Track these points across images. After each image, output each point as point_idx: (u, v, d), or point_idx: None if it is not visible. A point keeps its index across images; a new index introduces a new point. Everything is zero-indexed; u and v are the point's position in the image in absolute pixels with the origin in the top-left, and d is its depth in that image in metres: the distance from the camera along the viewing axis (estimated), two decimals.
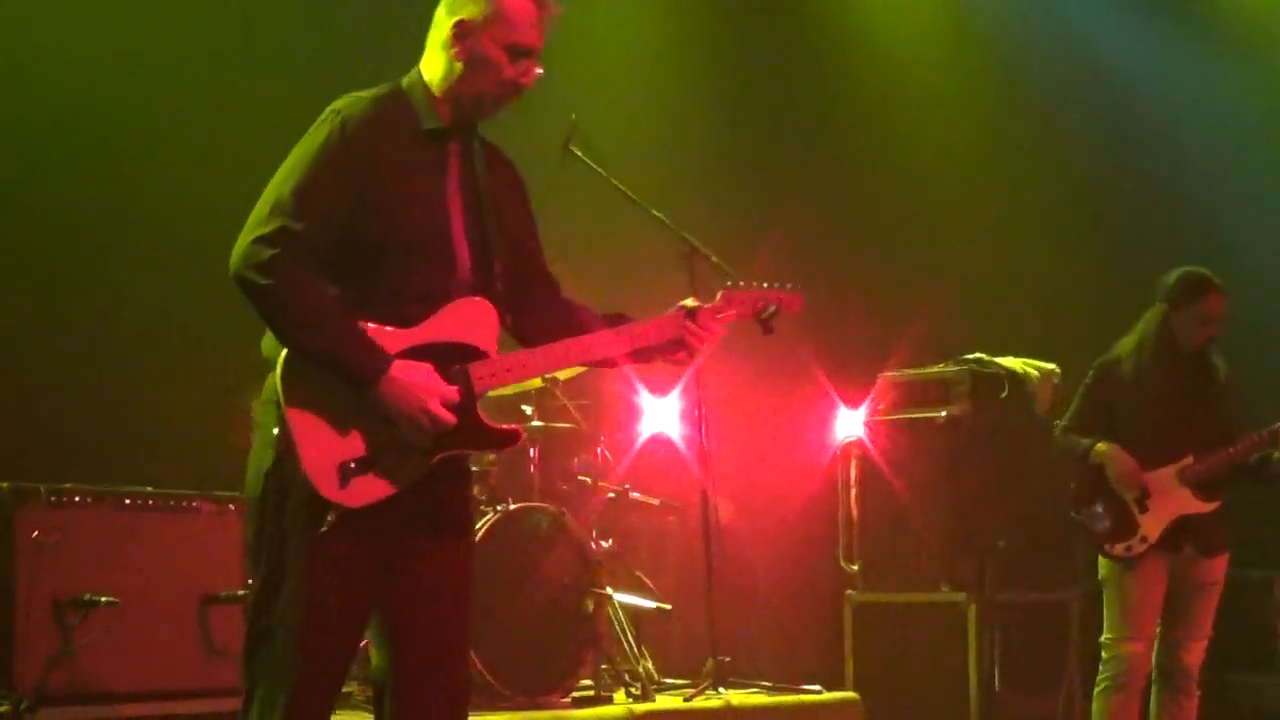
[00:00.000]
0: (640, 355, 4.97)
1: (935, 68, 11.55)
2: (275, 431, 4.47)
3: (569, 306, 4.99)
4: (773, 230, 9.83)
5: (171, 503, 6.65)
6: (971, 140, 11.45)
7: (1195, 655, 7.81)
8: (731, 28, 10.84)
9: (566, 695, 7.71)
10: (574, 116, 7.73)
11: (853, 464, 9.68)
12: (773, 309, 5.03)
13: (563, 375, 7.91)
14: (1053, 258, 11.14)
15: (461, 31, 4.64)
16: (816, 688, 8.36)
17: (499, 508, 7.74)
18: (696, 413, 8.31)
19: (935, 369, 9.59)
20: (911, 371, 9.72)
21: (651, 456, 9.01)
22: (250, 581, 4.80)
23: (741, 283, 5.05)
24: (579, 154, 7.63)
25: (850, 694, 8.47)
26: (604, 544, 8.16)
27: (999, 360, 9.36)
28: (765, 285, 5.05)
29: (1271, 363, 9.03)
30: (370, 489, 4.47)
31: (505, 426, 4.74)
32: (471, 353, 4.64)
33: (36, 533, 6.28)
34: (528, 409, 8.23)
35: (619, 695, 7.85)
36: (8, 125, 7.87)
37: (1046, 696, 8.32)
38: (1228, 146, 12.58)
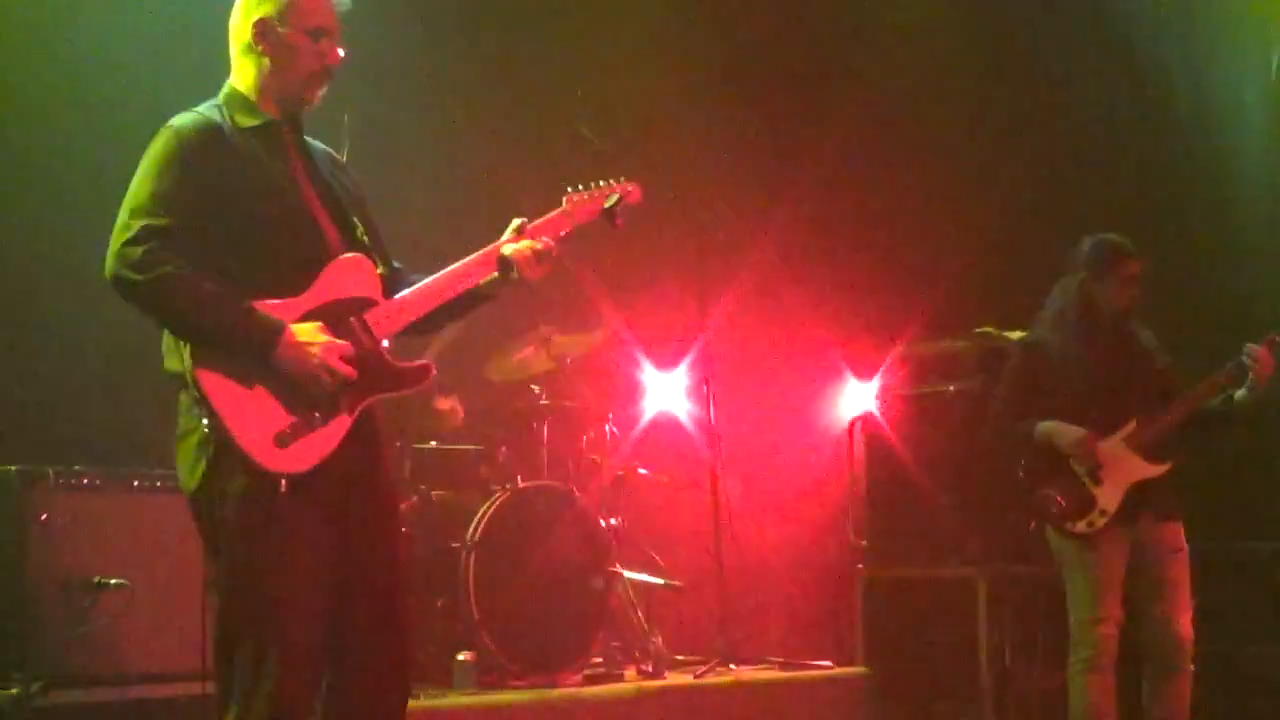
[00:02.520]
0: (465, 300, 5.26)
1: (948, 50, 11.54)
2: (205, 425, 4.66)
3: (400, 272, 5.28)
4: (784, 206, 9.87)
5: (179, 485, 6.68)
6: (981, 119, 11.45)
7: (1185, 628, 7.73)
8: (745, 3, 10.82)
9: (577, 673, 7.73)
10: (581, 94, 7.74)
11: (862, 439, 9.66)
12: (616, 198, 5.40)
13: (573, 351, 7.98)
14: (1059, 233, 11.15)
15: (263, 29, 5.00)
16: (827, 663, 8.43)
17: (508, 486, 7.80)
18: (704, 388, 8.33)
19: (944, 343, 9.61)
20: (920, 346, 9.73)
21: (660, 433, 9.06)
22: (215, 570, 4.85)
23: (586, 186, 5.39)
24: (589, 135, 7.66)
25: (860, 669, 8.52)
26: (613, 521, 8.17)
27: (1007, 334, 9.35)
28: (606, 182, 5.42)
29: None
30: (310, 451, 4.74)
31: (415, 364, 5.05)
32: (364, 304, 4.96)
33: (45, 515, 6.33)
34: (536, 388, 8.27)
35: (630, 672, 7.89)
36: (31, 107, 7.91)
37: (1057, 670, 8.34)
38: (1227, 130, 12.66)
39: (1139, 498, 7.60)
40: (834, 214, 10.54)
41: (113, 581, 6.33)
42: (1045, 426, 7.67)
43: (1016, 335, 9.15)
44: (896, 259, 10.55)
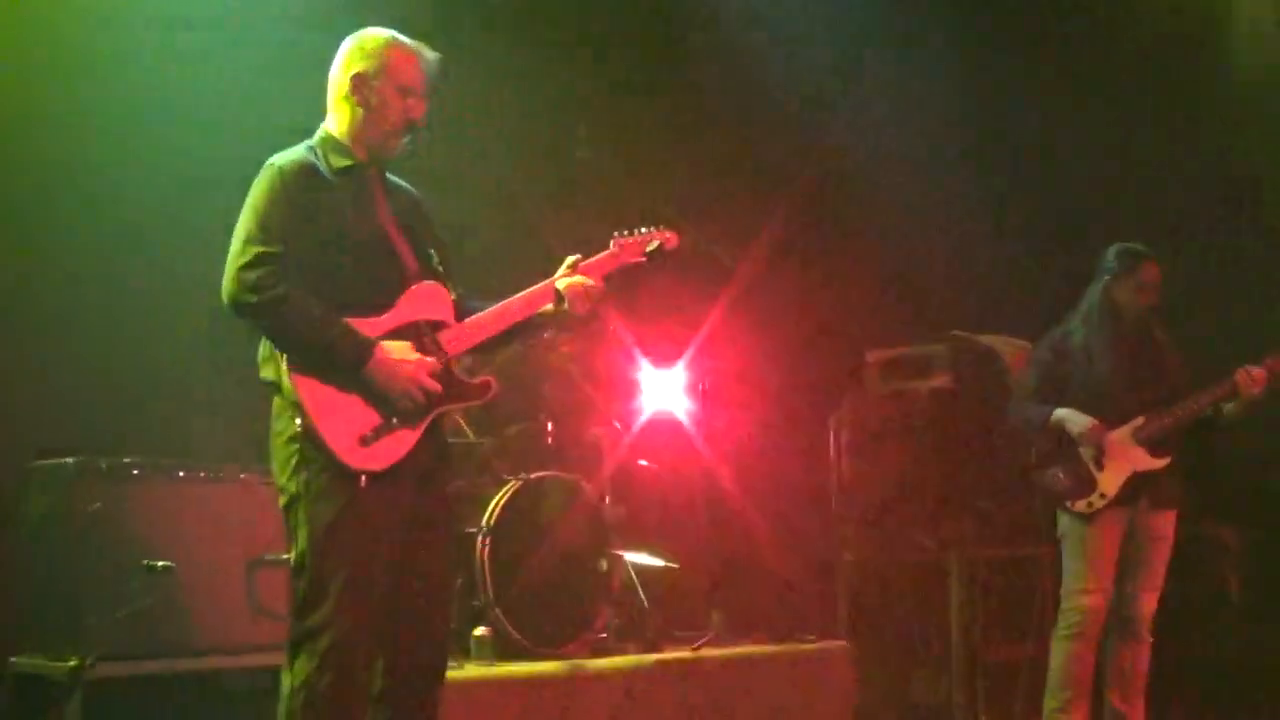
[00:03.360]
0: (521, 329, 5.49)
1: (931, 93, 11.52)
2: (298, 426, 4.89)
3: (465, 300, 5.43)
4: (772, 224, 9.90)
5: (221, 475, 6.70)
6: (955, 150, 11.46)
7: (1149, 605, 7.83)
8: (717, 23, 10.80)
9: (583, 646, 7.73)
10: (582, 127, 7.77)
11: (844, 433, 9.71)
12: (657, 244, 5.64)
13: (575, 354, 8.06)
14: (1023, 245, 11.19)
15: (358, 83, 5.20)
16: (811, 638, 8.44)
17: (520, 476, 7.80)
18: (698, 388, 8.36)
19: (919, 345, 9.61)
20: (897, 348, 9.72)
21: (658, 429, 9.01)
22: (290, 548, 5.01)
23: (630, 230, 5.65)
24: (591, 157, 7.69)
25: (842, 643, 8.52)
26: (616, 508, 8.18)
27: (977, 337, 9.40)
28: (648, 229, 5.64)
29: (1207, 329, 9.05)
30: (389, 452, 4.97)
31: (479, 380, 5.33)
32: (438, 325, 5.20)
33: (99, 504, 6.30)
34: (545, 386, 8.26)
35: (631, 646, 7.88)
36: (76, 105, 7.90)
37: (1021, 642, 8.38)
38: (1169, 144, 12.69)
39: (1138, 486, 7.68)
40: (818, 230, 10.58)
41: (159, 564, 6.31)
42: (1060, 413, 7.77)
43: (985, 338, 9.21)
44: (876, 270, 10.59)
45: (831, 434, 9.79)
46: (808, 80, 11.20)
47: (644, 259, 5.66)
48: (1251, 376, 7.48)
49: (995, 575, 9.00)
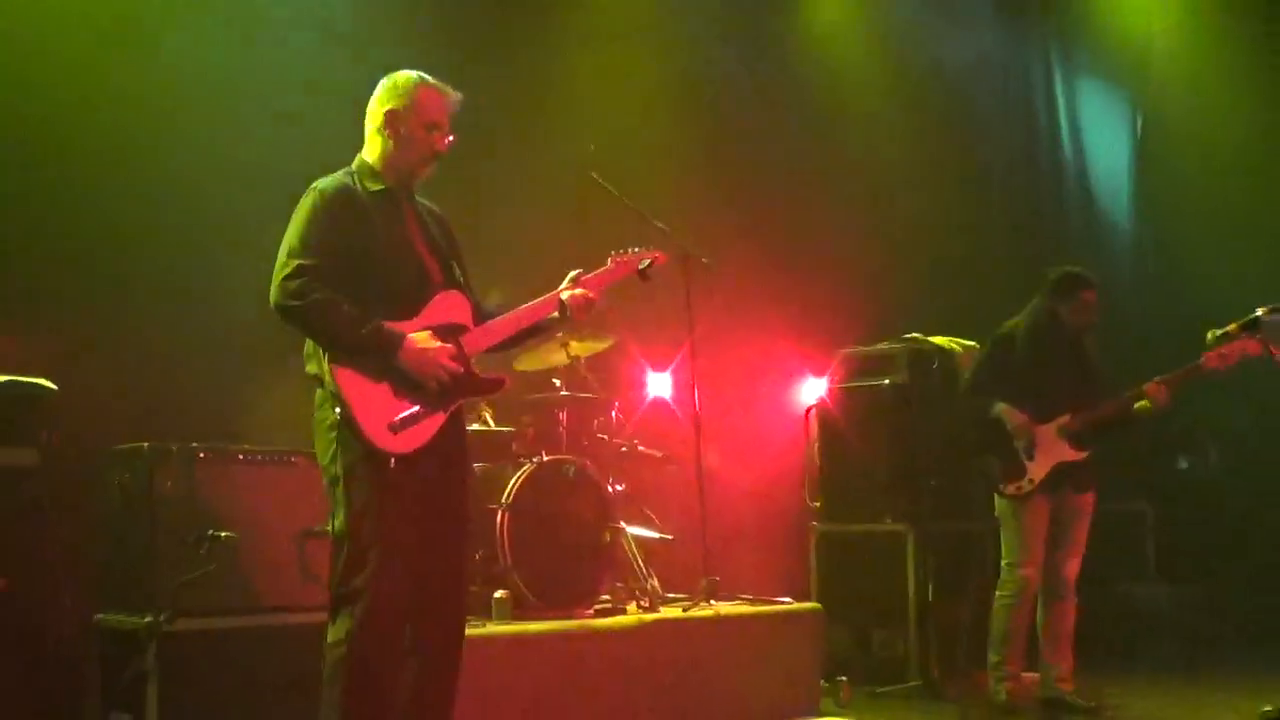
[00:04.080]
0: (531, 332, 5.65)
1: (879, 94, 11.59)
2: (337, 414, 4.98)
3: (483, 307, 5.52)
4: (755, 239, 9.92)
5: (275, 457, 6.72)
6: (913, 161, 11.50)
7: (1072, 569, 7.96)
8: (706, 64, 10.82)
9: (589, 608, 7.71)
10: (592, 147, 7.78)
11: (815, 422, 9.73)
12: (648, 262, 5.76)
13: (583, 354, 8.06)
14: (972, 257, 11.24)
15: (391, 119, 5.27)
16: (787, 600, 8.36)
17: (535, 459, 7.77)
18: (690, 383, 8.37)
19: (881, 346, 9.63)
20: (862, 348, 9.73)
21: (655, 417, 9.04)
22: (333, 521, 5.09)
23: (625, 249, 5.77)
24: (598, 179, 7.69)
25: (813, 604, 8.44)
26: (618, 487, 8.16)
27: (931, 339, 9.43)
28: (639, 249, 5.76)
29: (1123, 341, 9.11)
30: (414, 436, 5.05)
31: (494, 376, 5.42)
32: (459, 328, 5.28)
33: (170, 483, 6.35)
34: (557, 381, 8.27)
35: (631, 607, 7.85)
36: (146, 106, 7.87)
37: (968, 604, 8.42)
38: (1102, 176, 12.78)
39: (1062, 474, 7.81)
40: (795, 245, 10.54)
41: (223, 534, 6.31)
42: (999, 408, 7.87)
43: (938, 339, 9.26)
44: (844, 281, 10.59)
45: (806, 422, 9.80)
46: (795, 122, 11.27)
47: (637, 274, 5.76)
48: (1159, 387, 7.63)
49: (945, 546, 9.02)
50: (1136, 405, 7.73)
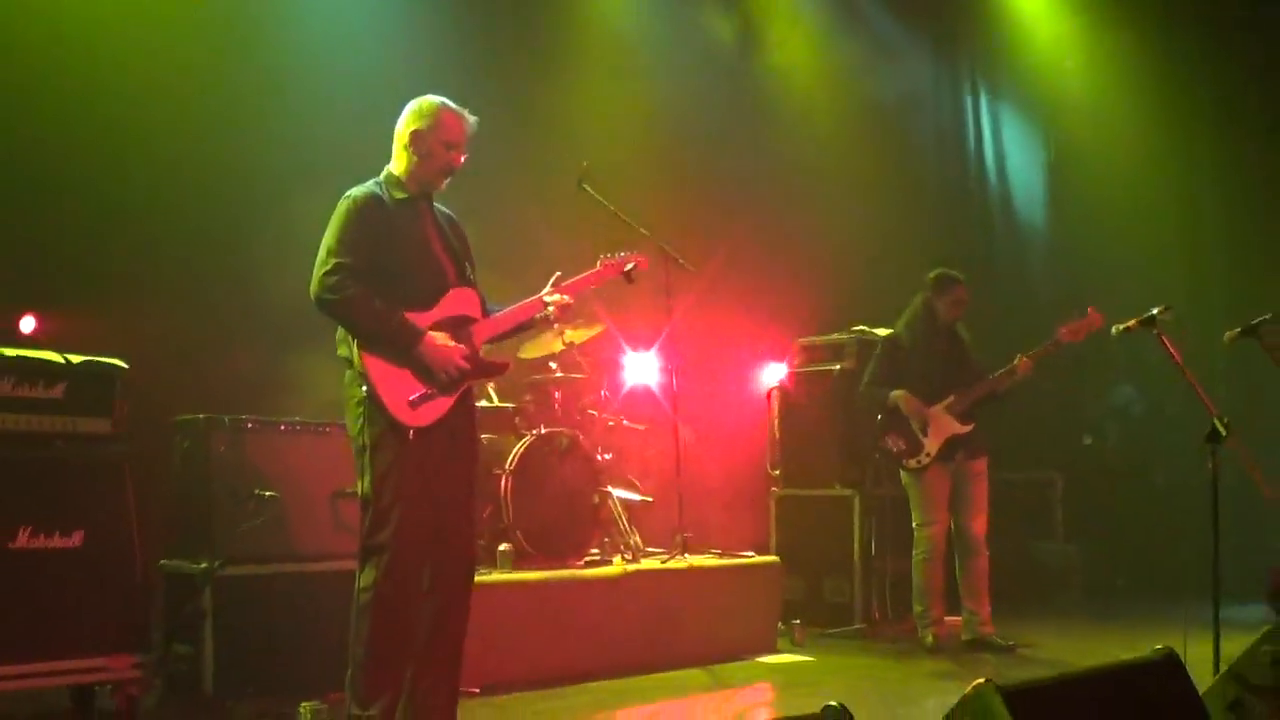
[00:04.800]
0: (520, 328, 5.65)
1: (831, 120, 11.67)
2: (364, 392, 5.02)
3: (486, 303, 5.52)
4: (725, 242, 9.96)
5: (312, 428, 6.75)
6: (860, 178, 11.57)
7: (979, 526, 8.12)
8: (684, 93, 10.81)
9: (580, 559, 7.78)
10: (585, 164, 7.83)
11: (776, 402, 9.79)
12: (632, 265, 5.76)
13: (576, 341, 7.94)
14: (910, 260, 11.29)
15: (415, 138, 5.27)
16: (750, 553, 8.46)
17: (534, 432, 7.83)
18: (668, 366, 8.40)
19: (832, 337, 9.68)
20: (816, 338, 9.79)
21: (637, 396, 9.04)
22: (361, 484, 5.13)
23: (612, 253, 5.78)
24: (590, 190, 7.76)
25: (773, 558, 8.58)
26: (606, 456, 8.17)
27: (875, 330, 9.46)
28: (625, 254, 5.76)
29: (1038, 323, 9.23)
30: (429, 412, 5.09)
31: (498, 360, 5.51)
32: (469, 320, 5.29)
33: (223, 448, 6.40)
34: (554, 364, 8.27)
35: (616, 559, 7.90)
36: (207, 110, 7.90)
37: (904, 558, 8.51)
38: (1020, 195, 12.93)
39: (954, 445, 7.98)
40: (759, 249, 10.52)
41: (268, 494, 6.40)
42: (895, 394, 8.02)
43: (882, 331, 9.33)
44: (800, 280, 10.62)
45: (768, 401, 9.87)
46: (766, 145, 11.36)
47: (623, 275, 5.79)
48: (1023, 363, 7.86)
49: (886, 508, 9.06)
50: (1008, 380, 7.95)
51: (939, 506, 8.07)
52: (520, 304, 5.53)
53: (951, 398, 8.02)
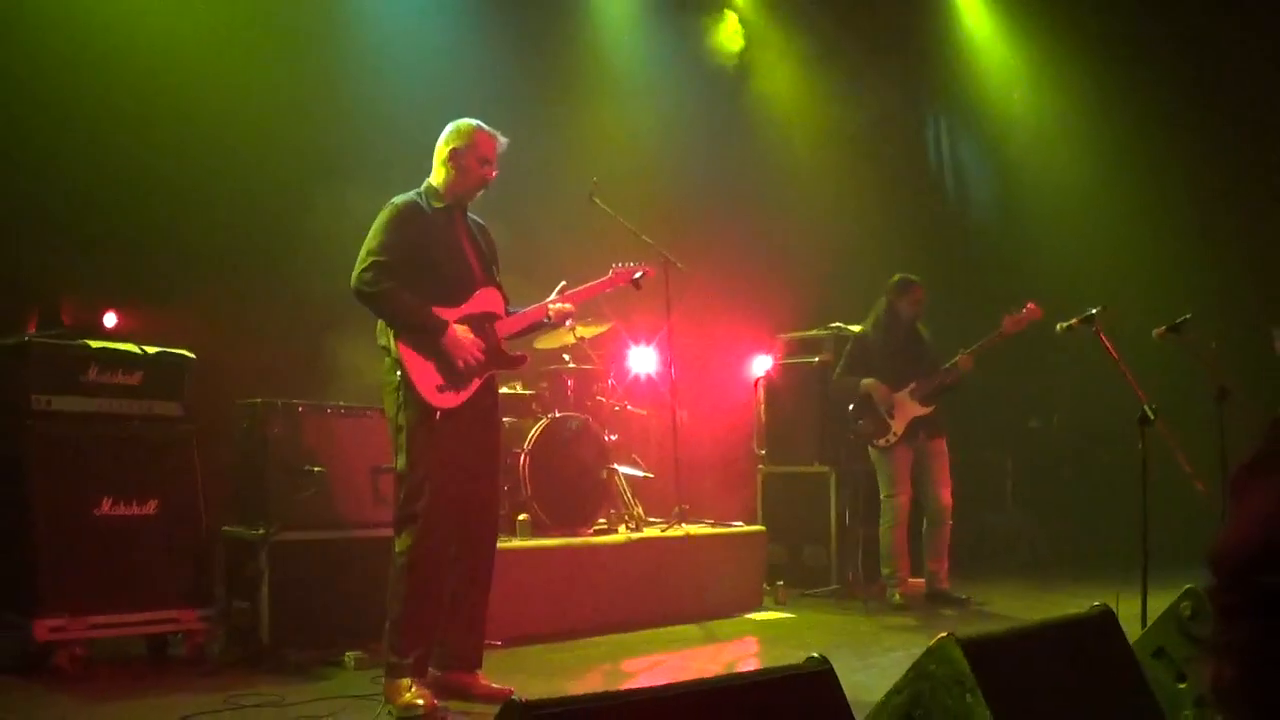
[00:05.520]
0: (533, 327, 5.63)
1: (813, 141, 11.67)
2: (399, 377, 5.02)
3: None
4: (716, 250, 9.98)
5: (355, 411, 6.76)
6: (838, 191, 11.59)
7: (945, 497, 8.19)
8: (684, 116, 10.82)
9: (590, 528, 7.81)
10: (595, 180, 7.85)
11: (763, 390, 9.79)
12: (641, 274, 5.70)
13: (586, 335, 8.01)
14: (881, 263, 11.31)
15: (453, 154, 5.27)
16: (739, 523, 8.50)
17: (549, 416, 7.86)
18: (668, 357, 8.42)
19: (812, 332, 9.69)
20: (797, 334, 9.80)
21: (640, 385, 9.03)
22: (397, 460, 5.15)
23: (624, 262, 5.73)
24: (600, 203, 7.78)
25: (759, 527, 8.62)
26: (613, 437, 8.18)
27: (850, 327, 9.47)
28: (634, 263, 5.71)
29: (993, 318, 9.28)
30: (456, 397, 5.09)
31: (517, 354, 5.47)
32: (493, 317, 5.29)
33: (277, 429, 6.43)
34: (566, 356, 8.30)
35: (621, 528, 7.93)
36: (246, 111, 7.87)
37: (875, 528, 8.52)
38: (975, 203, 12.95)
39: (916, 426, 8.05)
40: (748, 254, 10.54)
41: (315, 468, 6.42)
42: (866, 382, 8.10)
43: (855, 328, 9.37)
44: (785, 282, 10.61)
45: (755, 389, 9.86)
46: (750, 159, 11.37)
47: (631, 283, 5.77)
48: (963, 360, 7.97)
49: (858, 483, 9.02)
50: (958, 370, 8.01)
51: (903, 480, 8.16)
52: (531, 308, 5.54)
53: (914, 384, 8.12)
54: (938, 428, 8.20)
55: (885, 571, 8.28)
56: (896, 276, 8.40)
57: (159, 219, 7.45)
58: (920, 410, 8.09)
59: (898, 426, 8.09)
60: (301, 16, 8.32)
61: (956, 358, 8.00)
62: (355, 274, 5.09)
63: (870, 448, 8.23)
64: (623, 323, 8.79)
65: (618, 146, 10.09)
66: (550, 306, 5.54)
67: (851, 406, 8.21)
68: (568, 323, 5.83)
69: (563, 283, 5.64)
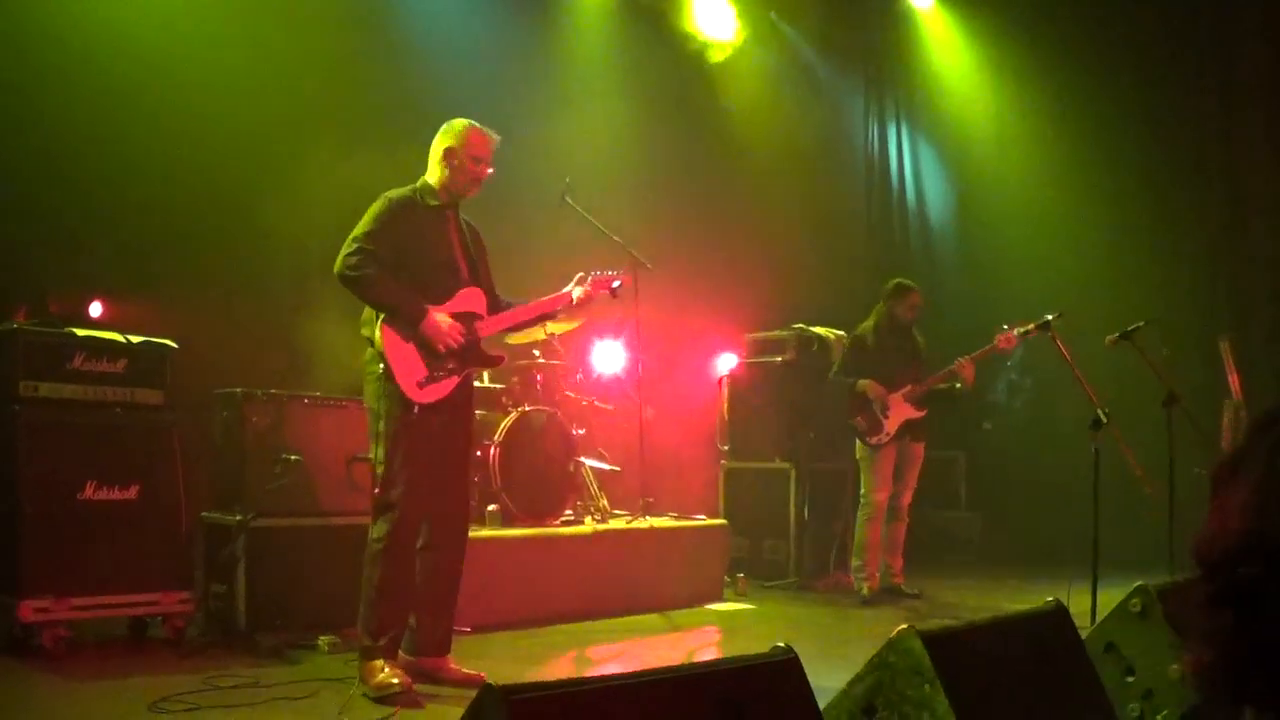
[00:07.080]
0: (542, 318, 5.69)
1: (777, 150, 11.67)
2: (381, 369, 5.02)
3: (501, 299, 5.50)
4: (683, 249, 10.01)
5: (331, 401, 6.75)
6: (800, 200, 11.64)
7: (907, 499, 8.24)
8: (653, 122, 10.82)
9: (557, 519, 7.78)
10: (568, 180, 7.85)
11: (727, 387, 9.84)
12: (618, 283, 5.59)
13: (556, 332, 7.98)
14: (841, 269, 11.42)
15: (448, 153, 5.27)
16: (702, 517, 8.51)
17: (519, 409, 7.84)
18: (636, 355, 8.43)
19: (776, 333, 9.74)
20: (762, 334, 9.85)
21: (607, 381, 9.01)
22: (374, 450, 5.14)
23: (600, 270, 5.60)
24: (571, 203, 7.74)
25: (722, 521, 8.64)
26: (580, 431, 8.18)
27: (813, 328, 9.58)
28: (612, 271, 5.60)
29: (948, 329, 9.36)
30: (434, 392, 5.09)
31: (495, 353, 5.43)
32: (475, 316, 5.26)
33: (256, 418, 6.41)
34: (536, 351, 8.26)
35: (587, 520, 7.91)
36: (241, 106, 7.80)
37: (834, 523, 8.58)
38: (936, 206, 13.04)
39: (905, 428, 8.06)
40: (714, 255, 10.54)
41: (293, 457, 6.42)
42: (863, 382, 8.09)
43: (820, 330, 9.44)
44: (750, 282, 10.64)
45: (720, 386, 9.91)
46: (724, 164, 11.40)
47: (608, 291, 5.64)
48: (964, 364, 7.90)
49: (817, 480, 9.15)
50: (956, 385, 8.02)
51: (886, 478, 8.19)
52: (542, 299, 5.53)
53: (909, 387, 8.12)
54: (922, 432, 8.25)
55: (855, 564, 8.33)
56: (893, 281, 8.42)
57: (145, 211, 7.40)
58: (913, 413, 8.13)
59: (890, 426, 8.12)
60: (281, 10, 8.25)
61: (956, 361, 7.96)
62: (340, 258, 5.08)
63: (861, 444, 8.24)
64: (591, 320, 8.76)
65: (589, 149, 10.04)
66: (574, 292, 5.52)
67: (848, 404, 8.24)
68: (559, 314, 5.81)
69: (581, 273, 5.61)
